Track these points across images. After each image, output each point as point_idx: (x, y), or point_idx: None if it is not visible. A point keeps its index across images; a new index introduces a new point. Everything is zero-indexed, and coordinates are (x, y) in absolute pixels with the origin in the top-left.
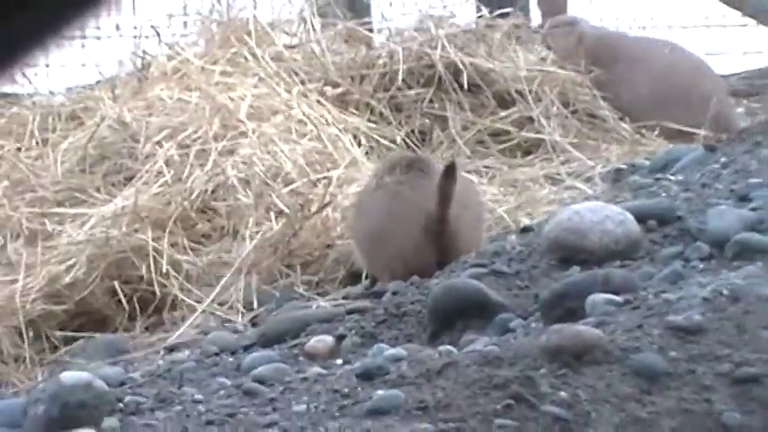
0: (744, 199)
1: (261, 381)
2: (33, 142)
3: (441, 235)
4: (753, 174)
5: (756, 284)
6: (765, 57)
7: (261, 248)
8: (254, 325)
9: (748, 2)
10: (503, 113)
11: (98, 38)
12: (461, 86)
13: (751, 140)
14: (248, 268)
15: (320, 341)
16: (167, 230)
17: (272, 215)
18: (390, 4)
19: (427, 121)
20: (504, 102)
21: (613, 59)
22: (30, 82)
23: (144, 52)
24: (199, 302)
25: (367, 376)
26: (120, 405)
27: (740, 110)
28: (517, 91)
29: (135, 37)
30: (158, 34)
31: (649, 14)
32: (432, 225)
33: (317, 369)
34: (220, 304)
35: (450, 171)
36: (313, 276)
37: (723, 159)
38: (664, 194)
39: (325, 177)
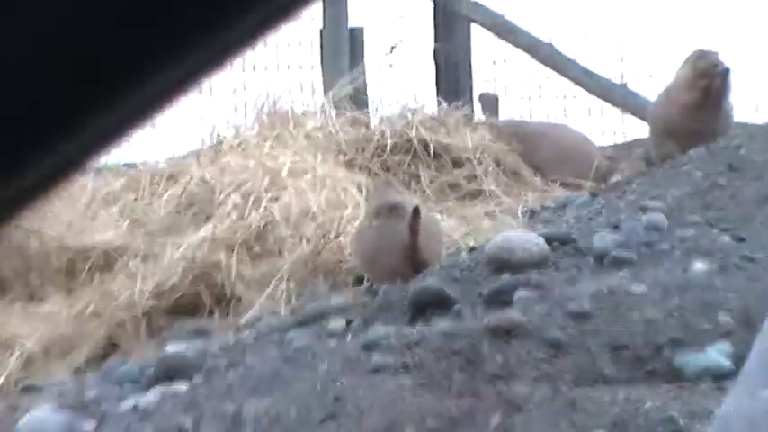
0: (616, 228)
1: (297, 350)
2: (145, 195)
3: (413, 256)
4: (621, 211)
5: (624, 284)
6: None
7: (296, 263)
8: (292, 313)
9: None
10: (456, 172)
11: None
12: (429, 154)
13: (620, 190)
14: (288, 276)
15: (336, 323)
16: (234, 251)
17: (304, 241)
18: (381, 100)
19: (407, 177)
20: (458, 164)
21: (525, 137)
22: (142, 153)
23: (218, 134)
24: (256, 299)
25: (368, 347)
26: (204, 367)
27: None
28: (466, 157)
29: (213, 125)
30: (227, 121)
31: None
32: (407, 251)
33: (334, 342)
34: (270, 300)
35: (416, 213)
36: (331, 281)
37: (602, 202)
38: (564, 225)
39: (339, 215)
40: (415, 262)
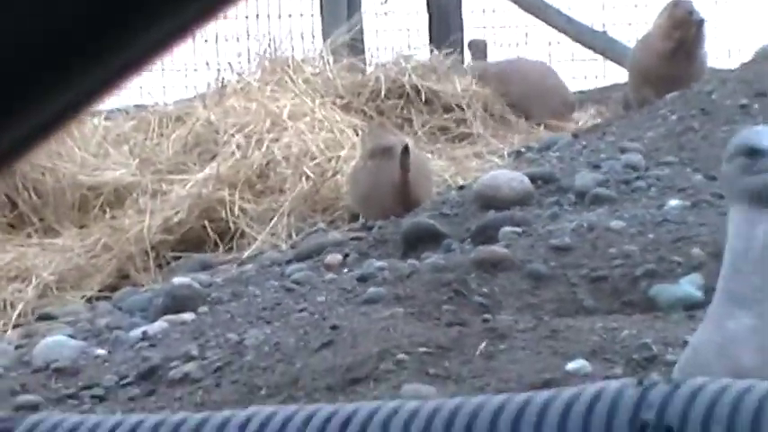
0: (596, 167)
1: (297, 282)
2: (154, 135)
3: (404, 194)
4: (601, 152)
5: (603, 220)
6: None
7: (296, 200)
8: (292, 247)
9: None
10: (446, 116)
11: (195, 70)
12: (421, 99)
13: (600, 131)
14: (288, 212)
15: (333, 257)
16: (238, 189)
17: (303, 179)
18: (376, 48)
19: (399, 120)
20: (448, 109)
21: (492, 79)
22: (151, 95)
23: (223, 78)
24: (258, 234)
25: (363, 279)
26: (209, 298)
27: (592, 112)
28: (456, 103)
29: (218, 69)
30: (231, 66)
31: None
32: (398, 189)
33: (331, 275)
34: (272, 234)
35: (406, 151)
36: (329, 218)
37: (583, 143)
38: (547, 165)
39: (336, 156)
40: (406, 200)
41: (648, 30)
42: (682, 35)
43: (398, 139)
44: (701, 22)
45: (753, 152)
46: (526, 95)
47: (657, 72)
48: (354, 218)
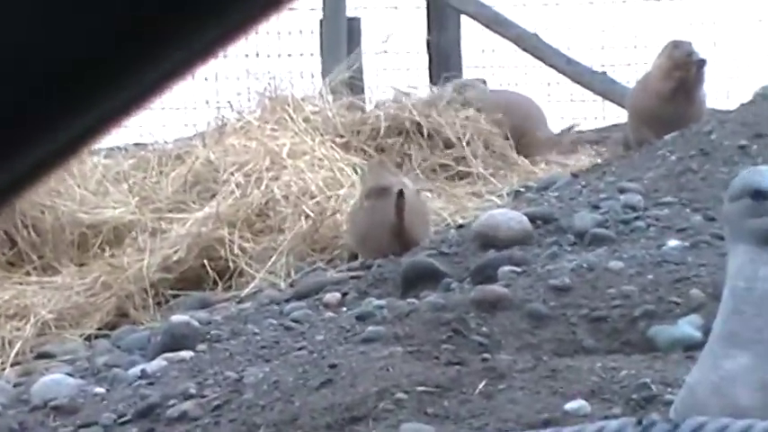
0: (595, 207)
1: (295, 321)
2: (154, 173)
3: (400, 235)
4: (600, 192)
5: (603, 260)
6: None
7: (295, 239)
8: (291, 286)
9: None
10: (447, 153)
11: (195, 108)
12: (422, 135)
13: (599, 171)
14: (287, 251)
15: (332, 296)
16: (237, 227)
17: (303, 218)
18: (376, 87)
19: (399, 158)
20: (449, 146)
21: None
22: (150, 134)
23: (222, 117)
24: (257, 272)
25: (362, 318)
26: (208, 336)
27: (592, 152)
28: (457, 138)
29: (217, 108)
30: (231, 105)
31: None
32: (394, 230)
33: (330, 314)
34: (270, 273)
35: (401, 195)
36: (328, 256)
37: (583, 183)
38: (546, 204)
39: (336, 194)
40: (402, 240)
41: (647, 70)
42: (682, 76)
43: (397, 179)
44: (701, 63)
45: (758, 194)
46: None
47: (657, 112)
48: (353, 257)
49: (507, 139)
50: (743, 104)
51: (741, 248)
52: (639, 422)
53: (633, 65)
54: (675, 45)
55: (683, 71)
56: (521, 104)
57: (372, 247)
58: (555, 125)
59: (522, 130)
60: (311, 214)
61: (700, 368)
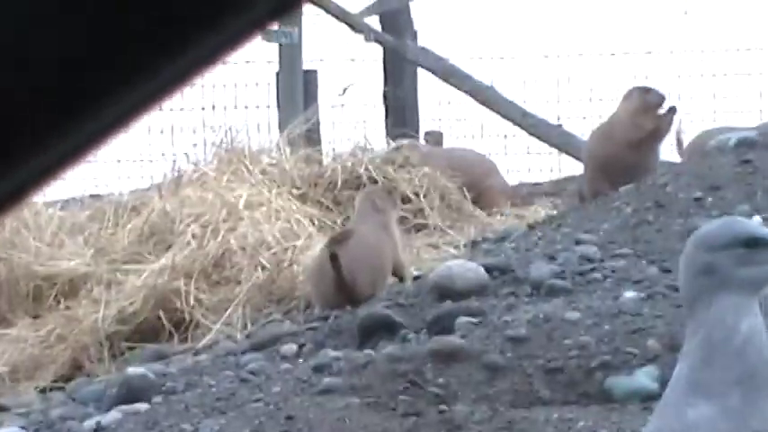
0: (552, 258)
1: (252, 372)
2: (110, 225)
3: (341, 288)
4: (556, 243)
5: (559, 311)
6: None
7: (252, 290)
8: (247, 337)
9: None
10: (404, 206)
11: (151, 161)
12: None
13: (555, 223)
14: (244, 302)
15: (289, 347)
16: (193, 279)
17: (259, 269)
18: (333, 139)
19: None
20: (405, 199)
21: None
22: (107, 185)
23: (178, 168)
24: (213, 324)
25: (318, 369)
26: (163, 388)
27: (548, 203)
28: (414, 192)
29: (174, 159)
30: (187, 156)
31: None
32: (334, 282)
33: (287, 365)
34: (227, 325)
35: (333, 257)
36: (284, 308)
37: (539, 234)
38: (503, 255)
39: (292, 246)
40: (345, 292)
41: (607, 120)
42: (654, 123)
43: (360, 226)
44: (673, 110)
45: (752, 242)
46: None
47: (620, 161)
48: (310, 308)
49: (463, 192)
50: (697, 157)
51: (725, 297)
52: None
53: (589, 117)
54: (646, 90)
55: (654, 118)
56: (474, 160)
57: (318, 294)
58: (511, 178)
59: (478, 184)
60: (267, 266)
61: (661, 416)
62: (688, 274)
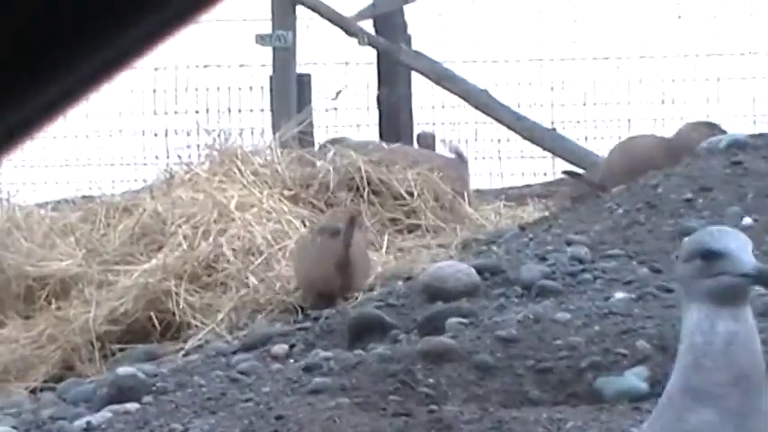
0: (543, 260)
1: (242, 372)
2: (101, 226)
3: (343, 266)
4: (547, 244)
5: (550, 312)
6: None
7: (242, 291)
8: (238, 338)
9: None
10: (396, 206)
11: (145, 164)
12: (372, 191)
13: (546, 225)
14: (234, 304)
15: (280, 348)
16: (184, 280)
17: (249, 270)
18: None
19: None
20: (398, 199)
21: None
22: (99, 187)
23: (171, 169)
24: (204, 324)
25: (309, 369)
26: (154, 388)
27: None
28: (408, 192)
29: (167, 161)
30: (180, 157)
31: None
32: (339, 260)
33: (277, 365)
34: (217, 325)
35: (352, 221)
36: (274, 309)
37: (530, 235)
38: (494, 257)
39: (283, 246)
40: (343, 275)
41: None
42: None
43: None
44: None
45: (708, 255)
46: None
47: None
48: (301, 309)
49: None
50: (689, 158)
51: (696, 307)
52: None
53: (582, 122)
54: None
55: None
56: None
57: (310, 284)
58: (506, 181)
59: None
60: (258, 266)
61: (660, 421)
62: (676, 283)
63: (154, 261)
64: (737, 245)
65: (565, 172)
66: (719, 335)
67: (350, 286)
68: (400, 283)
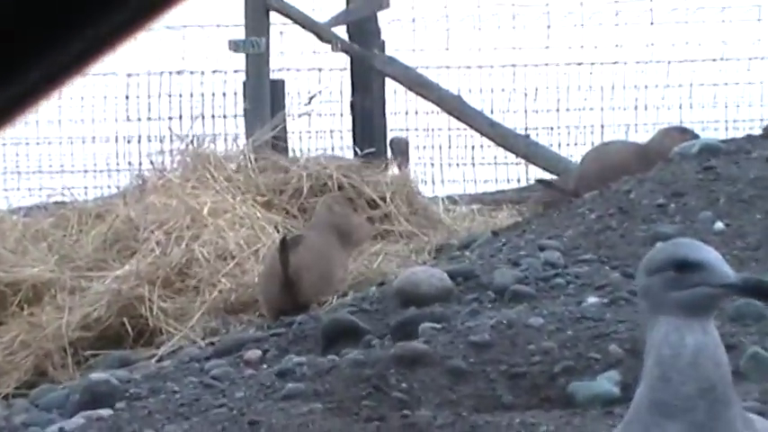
0: (515, 264)
1: (216, 378)
2: (74, 231)
3: (288, 285)
4: (520, 249)
5: (523, 317)
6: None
7: (215, 297)
8: (211, 344)
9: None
10: (370, 212)
11: (118, 171)
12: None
13: (519, 230)
14: (207, 310)
15: (253, 353)
16: (157, 286)
17: (222, 276)
18: (300, 149)
19: None
20: (372, 205)
21: None
22: (71, 193)
23: (143, 175)
24: (177, 330)
25: (282, 375)
26: (127, 394)
27: (513, 211)
28: (381, 198)
29: (139, 166)
30: (152, 163)
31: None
32: (281, 280)
33: (251, 371)
34: (191, 331)
35: (283, 244)
36: (247, 314)
37: (503, 240)
38: (467, 261)
39: (256, 252)
40: (290, 295)
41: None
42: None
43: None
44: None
45: (685, 266)
46: None
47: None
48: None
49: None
50: (661, 164)
51: (665, 319)
52: None
53: (556, 128)
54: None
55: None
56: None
57: (266, 299)
58: (480, 187)
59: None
60: (231, 272)
61: None
62: (638, 296)
63: (127, 267)
64: (714, 256)
65: (538, 180)
66: (688, 347)
67: (298, 302)
68: (373, 288)
